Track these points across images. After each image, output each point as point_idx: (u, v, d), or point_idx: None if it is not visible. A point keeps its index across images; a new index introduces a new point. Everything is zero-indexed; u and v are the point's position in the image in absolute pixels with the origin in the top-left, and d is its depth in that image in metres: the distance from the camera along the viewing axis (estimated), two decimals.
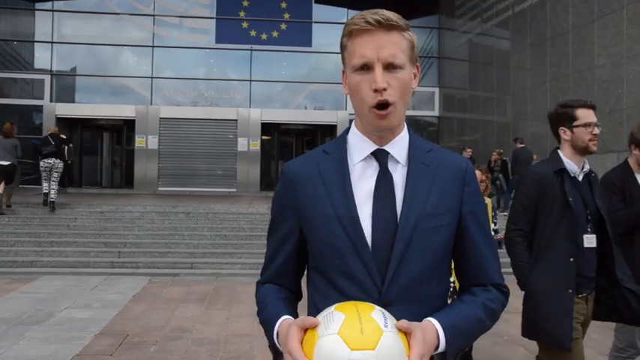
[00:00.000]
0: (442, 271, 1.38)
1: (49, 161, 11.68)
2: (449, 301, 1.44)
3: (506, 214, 12.67)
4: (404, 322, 1.17)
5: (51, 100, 19.35)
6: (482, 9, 16.92)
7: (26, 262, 9.38)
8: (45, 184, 11.68)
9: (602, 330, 5.80)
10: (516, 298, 7.23)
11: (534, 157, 12.78)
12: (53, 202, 11.70)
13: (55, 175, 11.73)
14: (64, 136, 13.07)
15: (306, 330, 1.19)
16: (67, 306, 6.58)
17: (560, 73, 13.07)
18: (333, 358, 1.10)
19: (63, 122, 19.36)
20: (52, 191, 11.65)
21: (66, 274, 8.68)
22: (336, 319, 1.15)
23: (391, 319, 1.17)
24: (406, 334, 1.17)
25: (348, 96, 1.40)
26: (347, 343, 1.10)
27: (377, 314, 1.16)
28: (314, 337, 1.15)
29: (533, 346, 5.22)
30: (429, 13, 20.64)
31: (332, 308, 1.19)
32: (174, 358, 4.78)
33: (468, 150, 14.85)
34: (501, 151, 14.30)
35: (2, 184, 11.03)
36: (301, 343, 1.18)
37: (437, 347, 1.24)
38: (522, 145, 12.66)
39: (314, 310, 1.39)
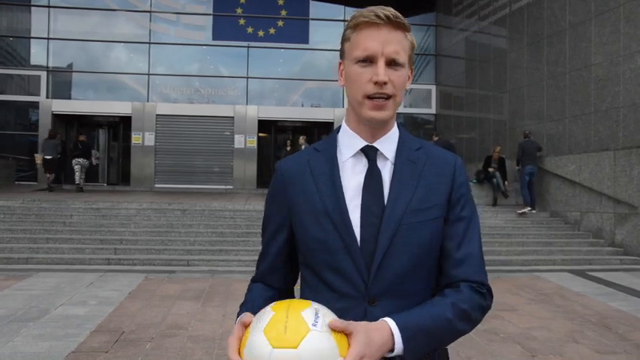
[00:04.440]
0: (429, 266, 1.38)
1: (79, 160, 16.25)
2: None
3: (531, 209, 12.74)
4: (337, 322, 1.14)
5: (47, 97, 19.26)
6: (480, 7, 16.92)
7: (21, 259, 9.36)
8: (77, 176, 16.24)
9: (598, 328, 5.82)
10: (511, 295, 7.24)
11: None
12: (82, 186, 16.18)
13: (83, 170, 16.37)
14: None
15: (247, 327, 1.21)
16: (63, 303, 6.56)
17: (557, 72, 13.09)
18: (257, 356, 1.11)
19: (59, 119, 19.33)
20: (82, 179, 16.33)
21: (61, 271, 8.64)
22: (265, 316, 1.15)
23: (324, 319, 1.14)
24: (346, 334, 1.14)
25: (344, 87, 1.41)
26: (269, 340, 1.10)
27: (308, 312, 1.14)
28: (247, 332, 1.17)
29: (530, 343, 5.25)
30: (426, 10, 20.62)
31: (269, 307, 1.19)
32: (170, 355, 4.77)
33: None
34: (499, 147, 14.39)
35: (49, 172, 15.87)
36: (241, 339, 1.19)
37: (392, 350, 1.20)
38: (527, 139, 13.10)
39: None
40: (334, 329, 1.13)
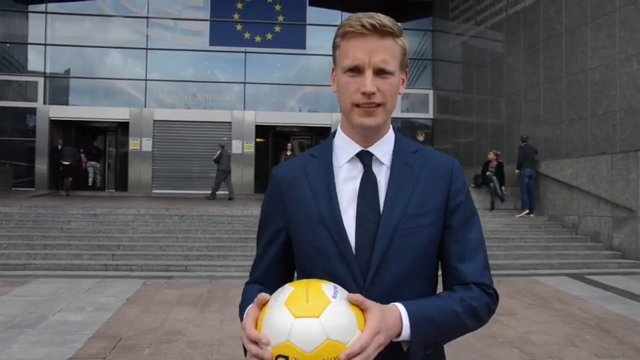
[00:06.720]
0: (428, 272, 1.37)
1: (92, 163, 19.00)
2: None
3: (529, 212, 12.80)
4: (355, 296, 1.17)
5: (44, 103, 19.26)
6: (476, 11, 16.97)
7: (19, 265, 9.33)
8: (91, 179, 18.97)
9: (597, 331, 5.82)
10: (510, 300, 7.24)
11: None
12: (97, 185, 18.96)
13: (96, 172, 19.20)
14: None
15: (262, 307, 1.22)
16: (60, 309, 6.54)
17: (553, 76, 13.13)
18: (279, 327, 1.13)
19: (56, 125, 19.31)
20: (97, 181, 19.06)
21: (59, 277, 8.62)
22: (285, 292, 1.18)
23: (342, 293, 1.18)
24: (362, 310, 1.17)
25: (336, 94, 1.40)
26: (291, 311, 1.13)
27: (327, 287, 1.18)
28: (265, 310, 1.19)
29: (529, 347, 5.25)
30: (423, 15, 20.69)
31: (286, 285, 1.23)
32: None
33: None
34: (498, 152, 14.40)
35: (67, 177, 17.47)
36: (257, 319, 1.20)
37: (399, 334, 1.22)
38: (524, 143, 13.22)
39: None
40: (352, 302, 1.17)
